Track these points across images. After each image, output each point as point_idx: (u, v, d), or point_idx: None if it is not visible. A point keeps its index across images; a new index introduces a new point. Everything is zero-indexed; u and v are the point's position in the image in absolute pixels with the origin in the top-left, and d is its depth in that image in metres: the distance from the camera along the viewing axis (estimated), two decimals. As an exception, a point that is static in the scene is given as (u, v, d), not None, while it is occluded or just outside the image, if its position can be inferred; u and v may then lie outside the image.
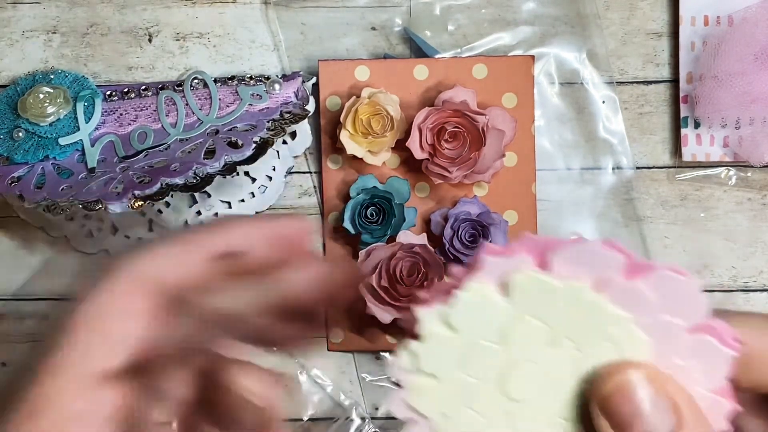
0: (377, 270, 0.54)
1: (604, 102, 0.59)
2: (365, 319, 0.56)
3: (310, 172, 0.59)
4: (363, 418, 0.59)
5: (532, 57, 0.58)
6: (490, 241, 0.55)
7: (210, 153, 0.53)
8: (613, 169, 0.59)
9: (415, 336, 0.28)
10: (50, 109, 0.55)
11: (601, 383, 0.26)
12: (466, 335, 0.28)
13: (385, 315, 0.55)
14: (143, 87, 0.57)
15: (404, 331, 0.29)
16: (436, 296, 0.28)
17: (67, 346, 0.27)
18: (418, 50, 0.59)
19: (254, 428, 0.27)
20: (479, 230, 0.56)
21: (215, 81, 0.57)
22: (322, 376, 0.59)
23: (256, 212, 0.59)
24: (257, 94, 0.56)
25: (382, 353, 0.59)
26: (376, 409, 0.59)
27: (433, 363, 0.28)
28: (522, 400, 0.29)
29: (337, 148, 0.57)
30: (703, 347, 0.27)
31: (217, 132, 0.55)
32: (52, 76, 0.57)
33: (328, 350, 0.58)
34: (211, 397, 0.28)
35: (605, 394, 0.26)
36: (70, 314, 0.28)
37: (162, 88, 0.57)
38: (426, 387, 0.29)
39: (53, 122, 0.55)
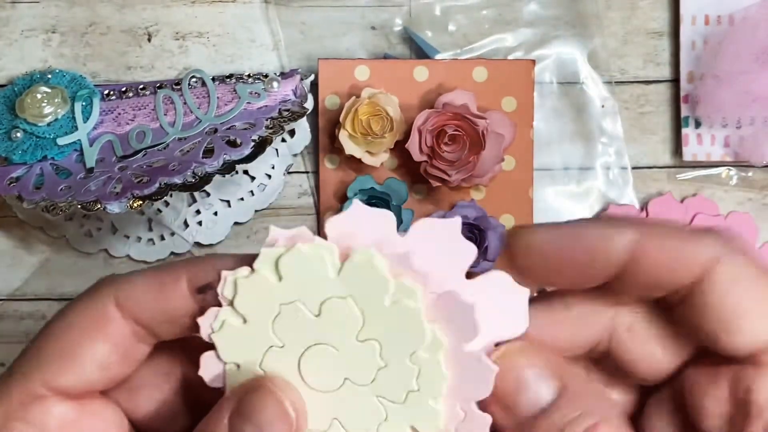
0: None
1: (603, 106, 0.59)
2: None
3: (307, 172, 0.59)
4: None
5: (533, 61, 0.57)
6: (486, 246, 0.55)
7: (209, 152, 0.53)
8: (611, 170, 0.59)
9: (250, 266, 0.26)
10: (48, 109, 0.55)
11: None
12: (289, 290, 0.26)
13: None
14: (141, 86, 0.57)
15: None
16: (290, 239, 0.26)
17: (31, 351, 0.28)
18: (419, 50, 0.59)
19: None
20: (476, 234, 0.55)
21: (213, 79, 0.57)
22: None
23: (256, 210, 0.59)
24: (255, 92, 0.56)
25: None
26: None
27: (248, 304, 0.27)
28: (311, 387, 0.27)
29: (335, 148, 0.57)
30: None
31: (215, 131, 0.55)
32: (49, 76, 0.57)
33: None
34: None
35: None
36: (52, 320, 0.28)
37: (160, 87, 0.57)
38: (232, 325, 0.27)
39: (51, 122, 0.55)
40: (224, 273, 0.27)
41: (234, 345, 0.27)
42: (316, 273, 0.26)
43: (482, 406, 0.26)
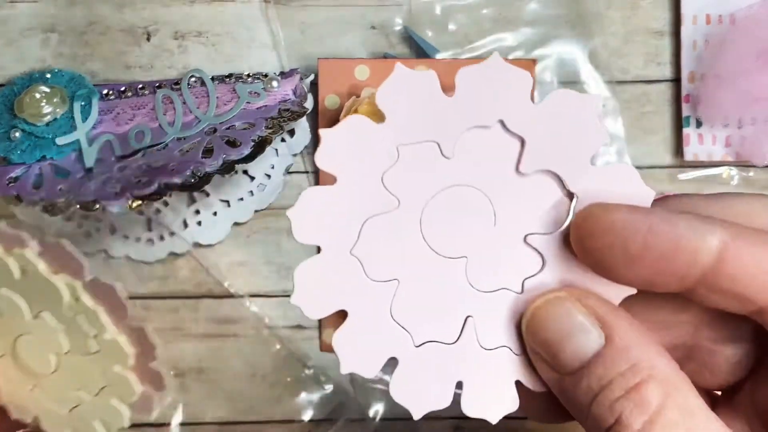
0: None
1: (604, 106, 0.59)
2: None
3: (307, 172, 0.59)
4: (359, 419, 0.59)
5: (534, 60, 0.57)
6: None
7: (208, 152, 0.53)
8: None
9: None
10: (47, 109, 0.55)
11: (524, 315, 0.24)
12: None
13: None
14: (140, 86, 0.57)
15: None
16: None
17: None
18: (419, 50, 0.59)
19: None
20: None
21: (213, 79, 0.57)
22: (322, 376, 0.59)
23: (256, 211, 0.59)
24: (255, 92, 0.56)
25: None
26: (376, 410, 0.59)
27: None
28: (26, 369, 0.27)
29: (336, 148, 0.57)
30: None
31: (215, 131, 0.55)
32: (48, 76, 0.57)
33: (321, 350, 0.58)
34: None
35: (528, 320, 0.24)
36: None
37: (159, 87, 0.57)
38: None
39: (50, 122, 0.55)
40: None
41: None
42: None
43: (530, 359, 0.24)
